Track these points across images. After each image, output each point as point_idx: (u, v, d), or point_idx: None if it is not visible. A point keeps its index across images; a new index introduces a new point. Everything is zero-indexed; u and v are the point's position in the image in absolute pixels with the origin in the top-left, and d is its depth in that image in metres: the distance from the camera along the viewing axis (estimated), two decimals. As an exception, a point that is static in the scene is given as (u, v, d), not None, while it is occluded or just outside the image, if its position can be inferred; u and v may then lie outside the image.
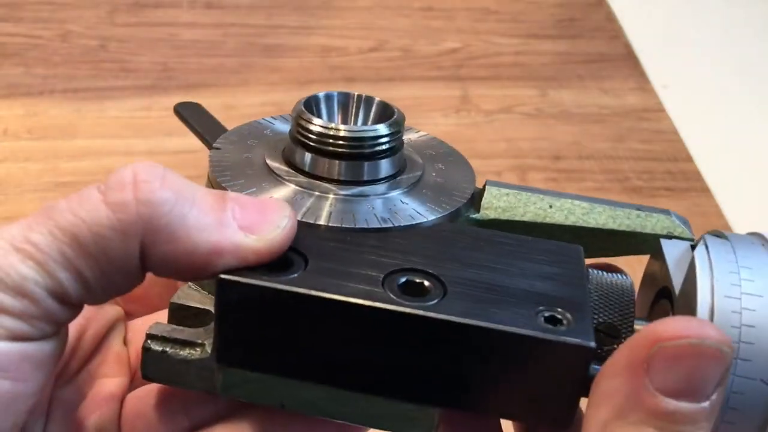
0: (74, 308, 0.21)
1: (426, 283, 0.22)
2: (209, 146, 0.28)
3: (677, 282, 0.23)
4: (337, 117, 0.28)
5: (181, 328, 0.24)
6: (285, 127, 0.29)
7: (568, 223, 0.26)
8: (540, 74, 0.92)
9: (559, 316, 0.21)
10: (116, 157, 0.73)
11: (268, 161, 0.26)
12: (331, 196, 0.25)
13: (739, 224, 0.77)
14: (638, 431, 0.18)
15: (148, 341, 0.23)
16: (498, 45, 0.95)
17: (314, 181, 0.26)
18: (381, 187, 0.26)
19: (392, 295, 0.21)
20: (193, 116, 0.32)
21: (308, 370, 0.22)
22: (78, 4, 0.92)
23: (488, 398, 0.21)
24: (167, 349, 0.23)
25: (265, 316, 0.21)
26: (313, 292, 0.21)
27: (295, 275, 0.21)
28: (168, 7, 0.94)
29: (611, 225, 0.26)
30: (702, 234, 0.25)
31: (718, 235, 0.24)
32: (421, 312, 0.20)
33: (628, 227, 0.26)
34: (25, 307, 0.20)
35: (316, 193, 0.25)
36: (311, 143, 0.26)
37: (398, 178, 0.27)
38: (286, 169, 0.26)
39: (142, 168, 0.21)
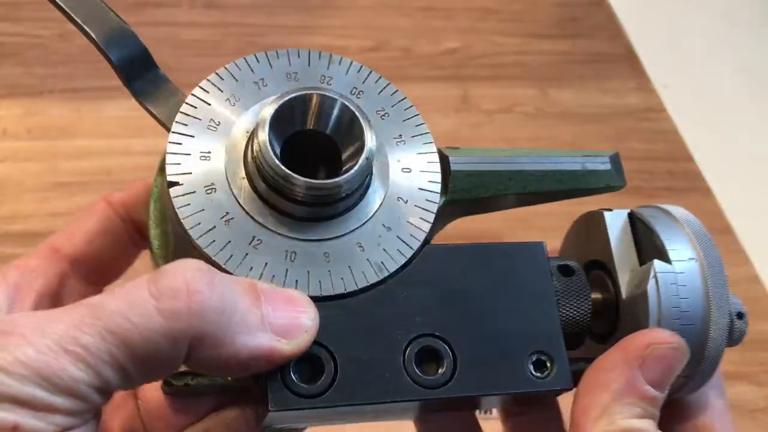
0: (112, 395, 0.23)
1: (437, 348, 0.25)
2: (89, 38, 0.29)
3: (621, 270, 0.28)
4: (308, 123, 0.26)
5: None
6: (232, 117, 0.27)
7: (525, 191, 0.29)
8: (540, 74, 0.91)
9: (543, 358, 0.26)
10: (116, 157, 0.73)
11: (235, 192, 0.25)
12: (321, 247, 0.25)
13: (740, 224, 0.77)
14: (631, 410, 0.25)
15: (169, 378, 0.25)
16: (498, 45, 0.95)
17: (293, 221, 0.25)
18: (364, 211, 0.26)
19: (414, 378, 0.25)
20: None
21: (331, 422, 0.27)
22: None
23: (470, 408, 0.28)
24: (189, 382, 0.25)
25: (308, 414, 0.25)
26: (353, 402, 0.24)
27: (329, 386, 0.24)
28: (168, 6, 0.94)
29: (561, 187, 0.29)
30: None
31: (637, 216, 0.29)
32: (443, 394, 0.25)
33: (575, 186, 0.30)
34: (74, 405, 0.21)
35: (304, 244, 0.25)
36: (283, 193, 0.25)
37: (368, 193, 0.26)
38: (257, 200, 0.25)
39: (192, 275, 0.22)
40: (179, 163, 0.25)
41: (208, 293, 0.22)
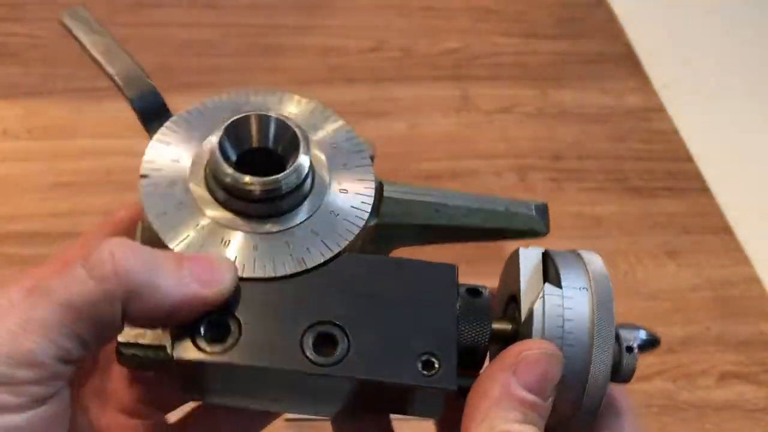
0: (75, 363, 0.26)
1: (335, 333, 0.27)
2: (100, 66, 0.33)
3: (525, 301, 0.29)
4: (252, 139, 0.30)
5: (144, 332, 0.28)
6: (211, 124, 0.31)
7: (450, 224, 0.31)
8: (540, 74, 0.92)
9: (433, 359, 0.27)
10: (116, 156, 0.73)
11: (192, 189, 0.30)
12: (253, 238, 0.29)
13: (739, 224, 0.77)
14: (509, 414, 0.26)
15: (120, 348, 0.28)
16: (498, 45, 0.95)
17: (235, 217, 0.29)
18: (297, 216, 0.30)
19: (309, 355, 0.27)
20: (85, 29, 0.35)
21: (248, 395, 0.29)
22: (78, 4, 0.92)
23: (376, 406, 0.29)
24: (138, 353, 0.28)
25: (212, 373, 0.28)
26: (248, 363, 0.27)
27: (231, 347, 0.27)
28: (168, 6, 0.94)
29: (484, 225, 0.31)
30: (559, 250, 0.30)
31: (550, 255, 0.30)
32: (331, 372, 0.27)
33: (496, 226, 0.31)
34: (39, 374, 0.25)
35: (239, 234, 0.29)
36: (228, 189, 0.29)
37: (305, 202, 0.30)
38: (209, 199, 0.29)
39: (116, 246, 0.26)
40: (152, 161, 0.31)
41: (132, 257, 0.26)
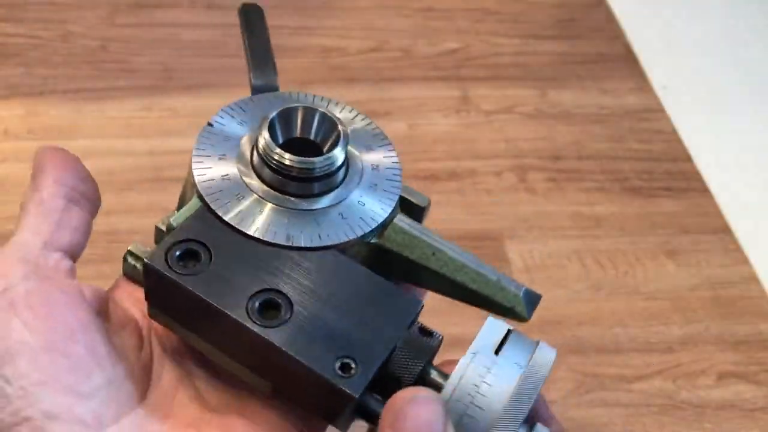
0: None
1: (282, 307, 0.29)
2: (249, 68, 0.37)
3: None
4: (298, 130, 0.33)
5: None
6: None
7: (441, 272, 0.32)
8: (540, 74, 0.92)
9: (352, 365, 0.28)
10: (117, 157, 0.73)
11: (237, 164, 0.33)
12: (273, 207, 0.32)
13: (739, 224, 0.77)
14: None
15: (127, 256, 0.32)
16: (498, 45, 0.95)
17: (267, 189, 0.32)
18: (317, 202, 0.32)
19: (249, 312, 0.28)
20: (250, 25, 0.41)
21: (198, 330, 0.30)
22: (79, 5, 0.92)
23: (294, 393, 0.29)
24: (136, 264, 0.32)
25: (172, 293, 0.29)
26: (196, 291, 0.29)
27: (195, 274, 0.29)
28: (168, 7, 0.94)
29: (470, 285, 0.32)
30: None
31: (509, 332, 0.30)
32: (257, 330, 0.28)
33: (482, 291, 0.32)
34: None
35: (261, 198, 0.32)
36: (270, 164, 0.32)
37: (330, 193, 0.33)
38: (248, 172, 0.32)
39: None
40: (201, 162, 0.33)
41: None
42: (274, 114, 0.32)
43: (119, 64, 0.85)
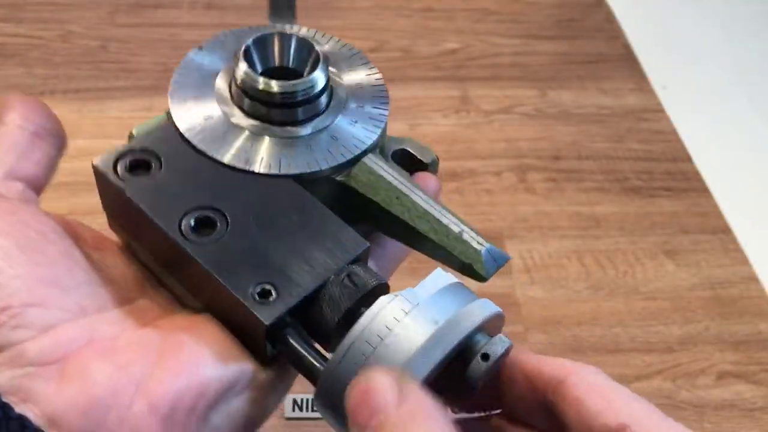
0: None
1: (216, 223, 0.28)
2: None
3: None
4: (275, 57, 0.32)
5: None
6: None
7: (402, 218, 0.30)
8: (540, 74, 0.92)
9: (272, 293, 0.27)
10: (117, 157, 0.73)
11: (216, 88, 0.32)
12: (245, 131, 0.30)
13: (738, 224, 0.77)
14: None
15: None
16: (498, 45, 0.95)
17: (246, 117, 0.31)
18: (293, 129, 0.31)
19: (182, 226, 0.28)
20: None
21: (140, 240, 0.30)
22: (79, 5, 0.92)
23: (221, 318, 0.28)
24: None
25: (116, 198, 0.29)
26: (132, 200, 0.28)
27: (137, 183, 0.29)
28: (168, 7, 0.94)
29: (430, 235, 0.29)
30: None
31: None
32: (182, 243, 0.27)
33: (441, 243, 0.29)
34: None
35: (233, 122, 0.30)
36: (243, 89, 0.30)
37: (309, 122, 0.31)
38: (227, 99, 0.31)
39: None
40: (178, 89, 0.32)
41: None
42: (249, 42, 0.31)
43: (119, 64, 0.86)
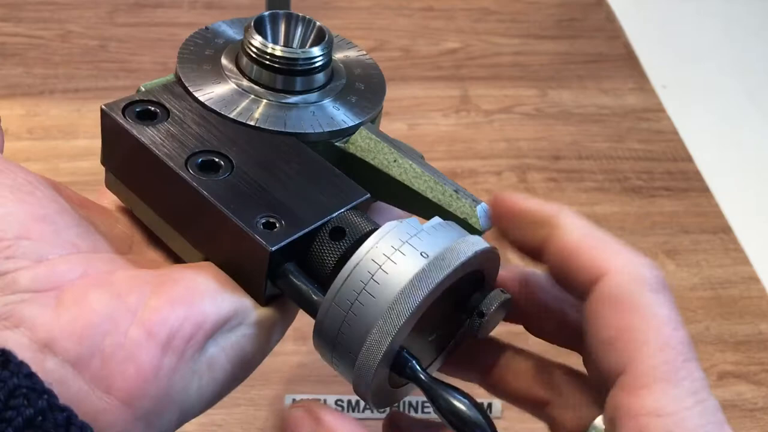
0: None
1: (221, 166, 0.29)
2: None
3: None
4: (281, 35, 0.34)
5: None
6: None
7: (399, 179, 0.31)
8: (540, 74, 0.92)
9: (276, 224, 0.27)
10: (116, 157, 0.73)
11: (222, 60, 0.33)
12: (250, 95, 0.32)
13: (739, 224, 0.77)
14: None
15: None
16: (498, 45, 0.95)
17: (252, 84, 0.32)
18: (295, 98, 0.32)
19: (189, 166, 0.28)
20: None
21: (141, 192, 0.30)
22: (78, 4, 0.92)
23: (223, 261, 0.29)
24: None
25: (122, 142, 0.30)
26: (141, 140, 0.29)
27: (148, 127, 0.29)
28: (168, 7, 0.94)
29: (427, 194, 0.31)
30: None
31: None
32: (189, 179, 0.28)
33: (437, 200, 0.31)
34: None
35: (239, 85, 0.32)
36: (253, 55, 0.32)
37: (311, 93, 0.33)
38: (234, 69, 0.33)
39: None
40: (187, 62, 0.33)
41: None
42: (263, 14, 0.33)
43: (119, 64, 0.85)
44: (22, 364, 0.22)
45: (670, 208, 0.78)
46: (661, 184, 0.80)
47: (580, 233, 0.26)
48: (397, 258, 0.26)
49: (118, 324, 0.24)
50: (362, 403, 0.57)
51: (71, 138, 0.76)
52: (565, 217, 0.27)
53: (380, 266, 0.26)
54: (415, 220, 0.27)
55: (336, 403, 0.57)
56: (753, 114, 0.93)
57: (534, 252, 0.28)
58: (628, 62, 0.95)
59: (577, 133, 0.85)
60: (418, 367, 0.27)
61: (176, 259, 0.31)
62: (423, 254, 0.26)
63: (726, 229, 0.76)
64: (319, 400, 0.57)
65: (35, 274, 0.24)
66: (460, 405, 0.26)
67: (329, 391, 0.58)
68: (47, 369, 0.23)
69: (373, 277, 0.25)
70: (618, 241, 0.26)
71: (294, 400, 0.57)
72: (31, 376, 0.22)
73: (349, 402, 0.57)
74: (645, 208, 0.77)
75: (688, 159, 0.83)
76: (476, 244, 0.27)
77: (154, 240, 0.32)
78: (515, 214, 0.29)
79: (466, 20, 0.98)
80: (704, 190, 0.80)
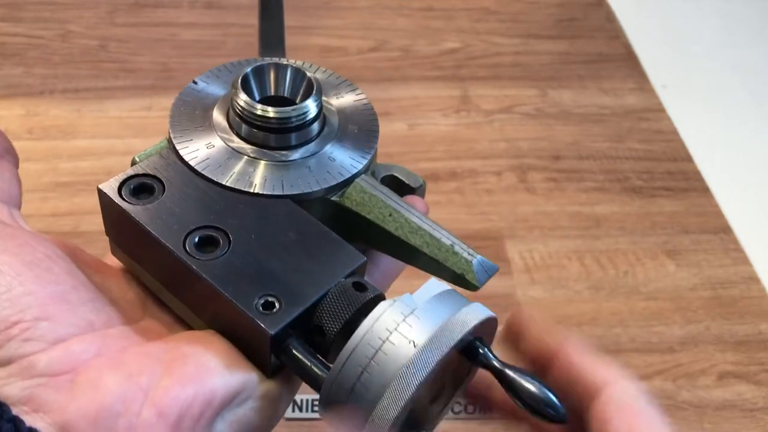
0: None
1: (219, 242, 0.29)
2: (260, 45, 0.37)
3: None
4: (270, 87, 0.33)
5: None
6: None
7: (395, 233, 0.31)
8: (540, 74, 0.92)
9: (276, 304, 0.28)
10: (116, 157, 0.73)
11: (214, 117, 0.33)
12: (244, 156, 0.32)
13: (739, 224, 0.77)
14: None
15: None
16: (498, 45, 0.95)
17: (243, 144, 0.32)
18: (289, 154, 0.32)
19: (186, 245, 0.29)
20: (267, 12, 0.40)
21: (143, 263, 0.31)
22: (78, 5, 0.92)
23: (225, 334, 0.29)
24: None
25: (120, 220, 0.30)
26: (137, 221, 0.29)
27: (142, 205, 0.30)
28: (168, 7, 0.94)
29: (423, 249, 0.31)
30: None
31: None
32: (188, 261, 0.28)
33: (434, 255, 0.31)
34: None
35: (231, 147, 0.32)
36: (242, 116, 0.32)
37: (305, 146, 0.32)
38: (226, 128, 0.33)
39: None
40: (178, 125, 0.33)
41: None
42: (247, 70, 0.33)
43: (119, 64, 0.85)
44: None
45: (671, 208, 0.78)
46: (661, 184, 0.80)
47: (581, 353, 0.30)
48: (404, 328, 0.26)
49: (131, 405, 0.25)
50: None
51: (71, 138, 0.76)
52: (568, 341, 0.31)
53: (388, 337, 0.26)
54: (408, 296, 0.27)
55: (336, 403, 0.57)
56: (753, 114, 0.93)
57: (540, 366, 0.31)
58: (628, 62, 0.95)
59: (577, 133, 0.85)
60: (491, 354, 0.28)
61: (184, 322, 0.32)
62: (430, 326, 0.26)
63: (726, 229, 0.76)
64: (319, 400, 0.57)
65: (51, 357, 0.25)
66: (530, 386, 0.27)
67: (329, 391, 0.58)
68: None
69: (383, 347, 0.26)
70: (610, 360, 0.30)
71: (294, 400, 0.57)
72: None
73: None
74: (645, 208, 0.77)
75: (688, 159, 0.83)
76: (478, 312, 0.28)
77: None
78: (526, 339, 0.31)
79: (466, 20, 0.98)
80: (704, 190, 0.80)
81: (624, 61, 0.95)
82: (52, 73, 0.83)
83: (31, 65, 0.84)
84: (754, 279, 0.72)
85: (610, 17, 1.02)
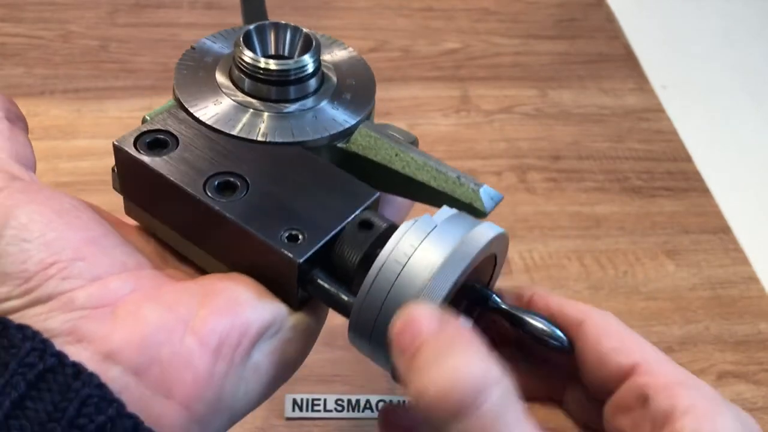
0: None
1: (237, 185, 0.30)
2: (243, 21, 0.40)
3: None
4: (271, 45, 0.35)
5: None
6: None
7: (403, 172, 0.33)
8: (540, 74, 0.92)
9: (299, 236, 0.29)
10: (117, 157, 0.73)
11: (217, 77, 0.35)
12: (250, 110, 0.33)
13: (739, 224, 0.77)
14: None
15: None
16: (498, 45, 0.95)
17: (248, 98, 0.34)
18: (293, 106, 0.34)
19: (207, 190, 0.30)
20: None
21: (162, 216, 0.32)
22: (79, 5, 0.92)
23: (252, 272, 0.30)
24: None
25: (139, 173, 0.31)
26: (158, 171, 0.30)
27: (159, 157, 0.31)
28: (169, 7, 0.94)
29: (431, 183, 0.32)
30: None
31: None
32: (210, 203, 0.30)
33: (441, 188, 0.32)
34: None
35: (236, 101, 0.34)
36: (246, 71, 0.34)
37: (307, 99, 0.34)
38: (229, 85, 0.34)
39: None
40: (184, 86, 0.34)
41: None
42: (250, 28, 0.35)
43: (119, 64, 0.85)
44: (92, 375, 0.24)
45: (670, 208, 0.78)
46: (661, 184, 0.80)
47: (553, 297, 0.33)
48: (426, 245, 0.28)
49: (172, 334, 0.26)
50: (362, 403, 0.57)
51: (71, 138, 0.76)
52: (593, 317, 0.33)
53: (411, 255, 0.28)
54: (428, 216, 0.29)
55: (336, 402, 0.57)
56: (753, 114, 0.93)
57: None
58: (628, 62, 0.95)
59: (577, 133, 0.85)
60: (497, 298, 0.31)
61: (204, 272, 0.33)
62: (450, 242, 0.28)
63: (726, 229, 0.76)
64: (320, 400, 0.57)
65: (90, 292, 0.26)
66: (539, 323, 0.31)
67: (329, 391, 0.58)
68: (111, 378, 0.25)
69: (406, 266, 0.28)
70: (577, 301, 0.33)
71: (294, 400, 0.57)
72: (101, 386, 0.24)
73: (349, 402, 0.57)
74: (645, 208, 0.78)
75: (688, 159, 0.84)
76: (492, 229, 0.29)
77: (183, 255, 0.34)
78: (550, 314, 0.33)
79: (466, 20, 0.99)
80: (704, 190, 0.80)
81: (624, 61, 0.95)
82: (53, 74, 0.83)
83: (31, 65, 0.84)
84: (753, 279, 0.72)
85: (610, 17, 1.02)
